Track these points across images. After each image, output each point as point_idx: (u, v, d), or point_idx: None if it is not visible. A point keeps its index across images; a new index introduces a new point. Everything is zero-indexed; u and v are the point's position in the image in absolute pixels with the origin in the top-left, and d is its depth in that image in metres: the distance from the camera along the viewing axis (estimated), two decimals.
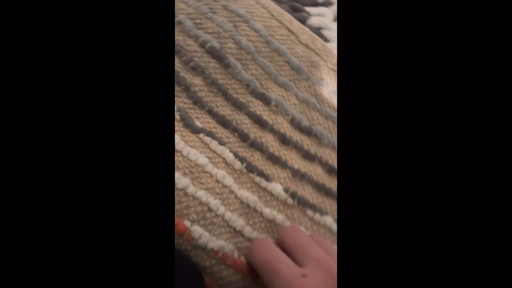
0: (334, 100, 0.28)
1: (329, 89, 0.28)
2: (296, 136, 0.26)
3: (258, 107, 0.26)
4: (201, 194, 0.22)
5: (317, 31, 0.30)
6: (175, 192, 0.22)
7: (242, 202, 0.24)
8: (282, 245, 0.20)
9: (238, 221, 0.23)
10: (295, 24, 0.27)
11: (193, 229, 0.22)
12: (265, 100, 0.26)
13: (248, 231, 0.23)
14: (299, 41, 0.27)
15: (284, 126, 0.26)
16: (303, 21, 0.29)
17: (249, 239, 0.24)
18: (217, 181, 0.23)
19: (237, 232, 0.23)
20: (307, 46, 0.27)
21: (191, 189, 0.22)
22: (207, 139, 0.24)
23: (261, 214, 0.24)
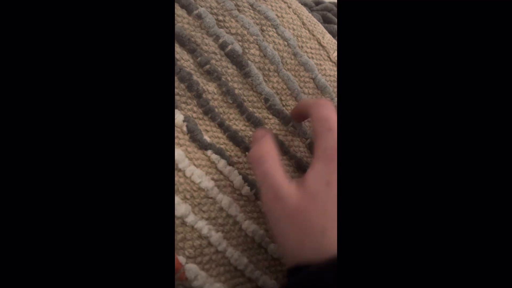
0: None
1: None
2: None
3: (274, 125, 0.22)
4: (202, 225, 0.19)
5: None
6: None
7: (246, 236, 0.20)
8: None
9: (241, 259, 0.20)
10: (327, 38, 0.24)
11: (188, 267, 0.18)
12: (283, 118, 0.22)
13: (250, 270, 0.20)
14: (329, 57, 0.24)
15: (301, 150, 0.23)
16: (334, 34, 0.26)
17: (250, 280, 0.20)
18: (221, 209, 0.20)
19: (237, 272, 0.20)
20: (336, 64, 0.24)
21: (190, 218, 0.18)
22: (215, 157, 0.20)
23: (266, 250, 0.21)
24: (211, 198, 0.19)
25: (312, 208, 0.16)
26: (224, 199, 0.20)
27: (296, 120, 0.22)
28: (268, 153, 0.18)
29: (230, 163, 0.20)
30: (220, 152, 0.20)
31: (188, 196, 0.19)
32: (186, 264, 0.18)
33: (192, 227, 0.18)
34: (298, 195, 0.16)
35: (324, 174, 0.16)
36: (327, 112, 0.18)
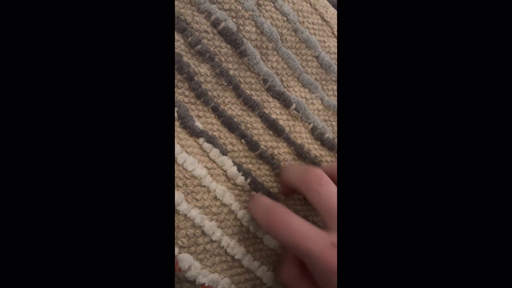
0: None
1: None
2: (315, 149, 0.22)
3: (274, 109, 0.21)
4: (195, 213, 0.18)
5: None
6: None
7: (242, 225, 0.19)
8: (307, 191, 0.18)
9: (238, 248, 0.19)
10: (331, 12, 0.22)
11: (182, 257, 0.17)
12: (284, 101, 0.21)
13: (248, 260, 0.19)
14: (333, 33, 0.22)
15: (302, 136, 0.21)
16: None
17: (248, 271, 0.19)
18: (215, 198, 0.19)
19: (235, 262, 0.19)
20: None
21: (183, 206, 0.18)
22: (207, 146, 0.19)
23: (262, 240, 0.20)
24: (205, 186, 0.18)
25: None
26: (218, 188, 0.19)
27: (287, 194, 0.20)
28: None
29: (223, 152, 0.19)
30: (212, 140, 0.19)
31: (180, 184, 0.18)
32: (179, 254, 0.17)
33: (185, 216, 0.18)
34: None
35: None
36: (327, 199, 0.17)
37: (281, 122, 0.21)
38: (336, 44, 0.22)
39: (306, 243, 0.16)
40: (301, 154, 0.21)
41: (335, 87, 0.22)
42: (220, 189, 0.19)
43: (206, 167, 0.19)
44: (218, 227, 0.19)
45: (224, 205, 0.19)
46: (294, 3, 0.21)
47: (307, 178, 0.17)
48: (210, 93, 0.19)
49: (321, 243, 0.15)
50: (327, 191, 0.17)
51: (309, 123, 0.21)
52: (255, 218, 0.18)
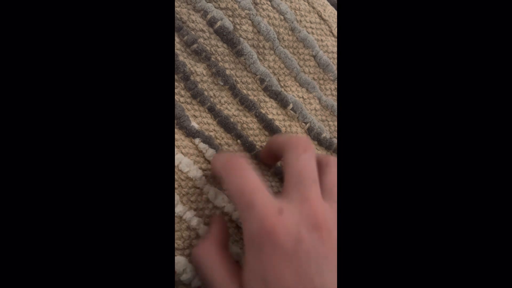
0: None
1: None
2: None
3: (271, 109, 0.21)
4: (190, 215, 0.18)
5: None
6: None
7: (238, 227, 0.19)
8: (287, 152, 0.17)
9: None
10: (329, 11, 0.21)
11: (176, 260, 0.17)
12: (281, 101, 0.21)
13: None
14: (331, 32, 0.22)
15: None
16: (336, 7, 0.23)
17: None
18: (208, 200, 0.19)
19: None
20: None
21: (179, 208, 0.18)
22: (203, 146, 0.19)
23: None
24: (199, 188, 0.18)
25: None
26: (211, 190, 0.19)
27: (267, 162, 0.19)
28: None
29: (220, 152, 0.19)
30: (208, 141, 0.19)
31: (176, 186, 0.18)
32: (174, 257, 0.17)
33: (181, 217, 0.18)
34: None
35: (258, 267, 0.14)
36: (302, 162, 0.16)
37: (277, 122, 0.21)
38: (334, 43, 0.22)
39: (253, 195, 0.15)
40: None
41: (333, 87, 0.22)
42: (212, 191, 0.19)
43: (201, 168, 0.18)
44: None
45: (216, 207, 0.19)
46: (291, 2, 0.20)
47: (295, 141, 0.17)
48: (206, 93, 0.19)
49: (268, 202, 0.15)
50: (306, 161, 0.16)
51: (306, 123, 0.21)
52: (214, 168, 0.17)
